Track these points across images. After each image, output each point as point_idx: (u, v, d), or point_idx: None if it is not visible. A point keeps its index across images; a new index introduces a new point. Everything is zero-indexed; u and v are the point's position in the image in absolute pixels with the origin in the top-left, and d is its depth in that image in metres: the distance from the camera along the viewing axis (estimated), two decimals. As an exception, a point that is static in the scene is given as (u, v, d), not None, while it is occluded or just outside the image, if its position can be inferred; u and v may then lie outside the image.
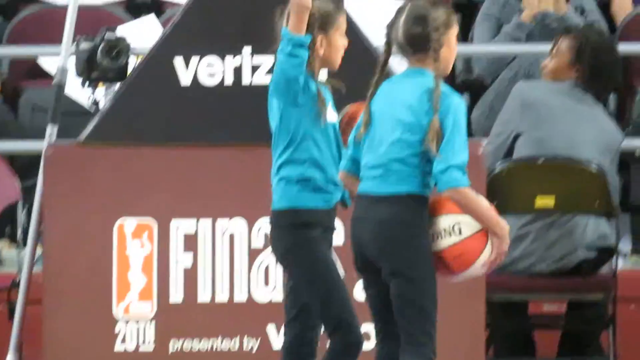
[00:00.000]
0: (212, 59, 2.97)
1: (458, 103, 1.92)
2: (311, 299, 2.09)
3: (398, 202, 1.88)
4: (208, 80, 2.98)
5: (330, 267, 2.10)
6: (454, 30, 1.97)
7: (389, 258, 1.88)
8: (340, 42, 2.14)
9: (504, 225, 1.94)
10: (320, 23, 2.07)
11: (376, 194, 1.88)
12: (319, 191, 2.05)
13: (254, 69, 2.98)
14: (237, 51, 2.96)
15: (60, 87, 3.28)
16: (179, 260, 2.90)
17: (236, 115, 2.97)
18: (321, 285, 2.06)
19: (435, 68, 1.88)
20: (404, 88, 1.92)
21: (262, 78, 2.93)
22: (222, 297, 2.91)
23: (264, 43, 2.63)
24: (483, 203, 1.95)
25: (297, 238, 2.07)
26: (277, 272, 2.85)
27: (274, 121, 2.09)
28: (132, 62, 3.30)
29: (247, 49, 2.96)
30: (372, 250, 1.89)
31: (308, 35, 2.04)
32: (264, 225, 2.83)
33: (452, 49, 1.97)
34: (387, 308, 1.93)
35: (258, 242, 2.91)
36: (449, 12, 1.98)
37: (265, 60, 2.91)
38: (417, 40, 1.87)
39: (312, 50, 2.05)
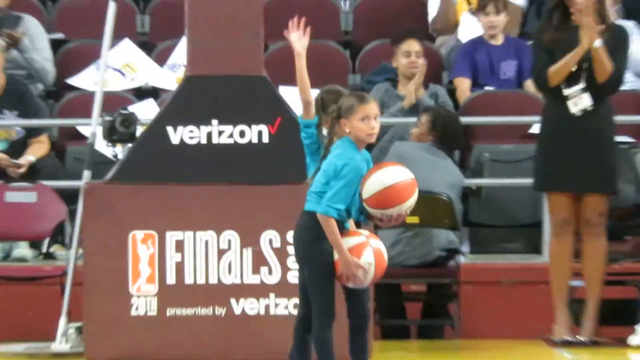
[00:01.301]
0: (192, 127, 4.07)
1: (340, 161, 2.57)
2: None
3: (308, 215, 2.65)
4: (190, 140, 4.07)
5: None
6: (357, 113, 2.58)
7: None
8: (360, 125, 2.61)
9: (348, 259, 2.55)
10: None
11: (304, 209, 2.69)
12: None
13: (220, 133, 4.06)
14: (208, 122, 4.07)
15: (92, 145, 4.46)
16: (172, 257, 4.04)
17: (208, 164, 4.09)
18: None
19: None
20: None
21: (225, 140, 4.05)
22: (200, 280, 4.02)
23: (226, 117, 3.99)
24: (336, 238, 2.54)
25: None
26: (237, 265, 3.99)
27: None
28: (139, 129, 4.35)
29: (215, 121, 4.08)
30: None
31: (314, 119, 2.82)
32: (228, 235, 3.99)
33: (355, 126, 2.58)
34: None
35: (224, 245, 4.01)
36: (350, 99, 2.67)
37: (227, 128, 4.05)
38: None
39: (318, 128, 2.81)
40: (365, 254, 2.62)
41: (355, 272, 2.59)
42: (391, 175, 2.64)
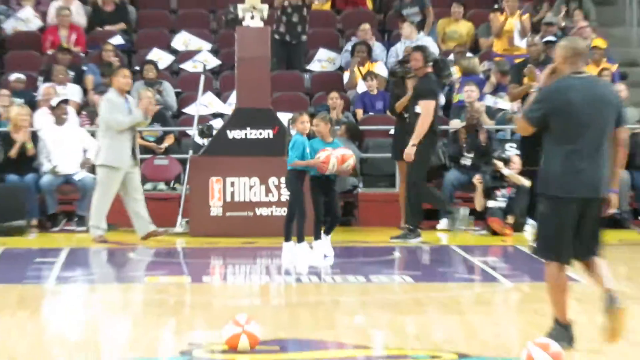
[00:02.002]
0: (237, 130, 8.97)
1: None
2: None
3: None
4: (237, 137, 8.86)
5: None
6: None
7: None
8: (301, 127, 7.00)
9: (313, 163, 6.80)
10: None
11: None
12: None
13: (251, 133, 9.16)
14: (245, 128, 9.21)
15: (193, 139, 9.50)
16: (229, 188, 9.21)
17: (246, 147, 9.28)
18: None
19: None
20: None
21: (254, 136, 8.94)
22: (241, 199, 9.10)
23: (254, 126, 9.07)
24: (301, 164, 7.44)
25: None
26: (259, 192, 9.19)
27: None
28: (214, 132, 9.23)
29: (248, 128, 9.29)
30: None
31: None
32: (254, 179, 9.10)
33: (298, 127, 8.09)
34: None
35: (253, 183, 9.13)
36: None
37: (255, 131, 9.28)
38: None
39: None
40: (332, 158, 6.76)
41: (320, 166, 6.76)
42: (337, 151, 6.94)
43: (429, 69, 8.39)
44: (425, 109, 8.17)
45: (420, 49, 8.89)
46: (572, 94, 3.38)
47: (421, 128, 8.12)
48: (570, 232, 3.42)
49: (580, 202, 3.41)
